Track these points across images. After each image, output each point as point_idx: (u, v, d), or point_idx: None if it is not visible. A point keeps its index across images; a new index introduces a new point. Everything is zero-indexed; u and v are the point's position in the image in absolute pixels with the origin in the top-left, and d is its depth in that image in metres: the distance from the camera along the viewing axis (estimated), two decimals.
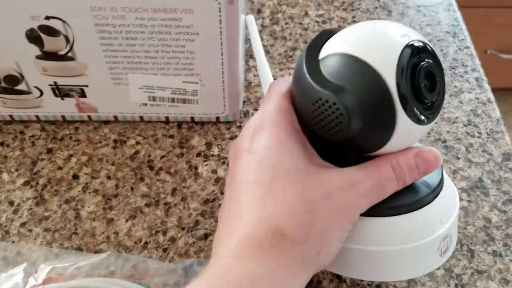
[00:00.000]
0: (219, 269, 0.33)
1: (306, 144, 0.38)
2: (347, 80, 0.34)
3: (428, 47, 0.36)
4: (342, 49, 0.35)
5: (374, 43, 0.35)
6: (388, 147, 0.36)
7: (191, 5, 0.47)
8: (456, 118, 0.60)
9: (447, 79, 0.63)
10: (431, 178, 0.40)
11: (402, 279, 0.46)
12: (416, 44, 0.35)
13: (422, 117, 0.35)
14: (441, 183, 0.40)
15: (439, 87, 0.37)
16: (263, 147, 0.37)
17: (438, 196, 0.40)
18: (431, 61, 0.36)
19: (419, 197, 0.39)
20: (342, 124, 0.35)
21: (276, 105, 0.38)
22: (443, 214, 0.40)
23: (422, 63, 0.35)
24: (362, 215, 0.37)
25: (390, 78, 0.33)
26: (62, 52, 0.51)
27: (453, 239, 0.41)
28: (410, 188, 0.39)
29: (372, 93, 0.34)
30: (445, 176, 0.42)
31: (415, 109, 0.35)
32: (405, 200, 0.38)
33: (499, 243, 0.50)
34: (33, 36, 0.49)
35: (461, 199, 0.53)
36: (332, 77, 0.35)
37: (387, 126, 0.35)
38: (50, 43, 0.50)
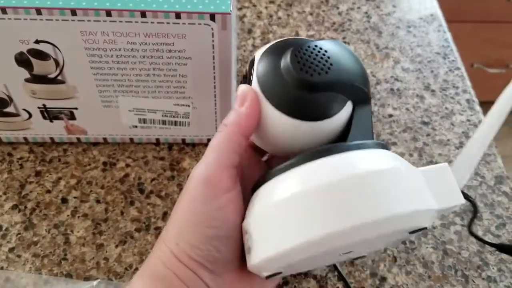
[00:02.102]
0: None
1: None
2: None
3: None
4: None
5: None
6: None
7: (184, 30, 0.46)
8: (448, 140, 0.60)
9: (438, 101, 0.63)
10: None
11: None
12: None
13: None
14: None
15: None
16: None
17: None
18: None
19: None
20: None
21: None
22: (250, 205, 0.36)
23: None
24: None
25: None
26: (52, 76, 0.50)
27: (255, 242, 0.34)
28: None
29: None
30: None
31: None
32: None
33: (493, 268, 0.50)
34: (22, 60, 0.49)
35: (454, 223, 0.53)
36: None
37: None
38: (39, 66, 0.49)
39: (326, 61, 0.37)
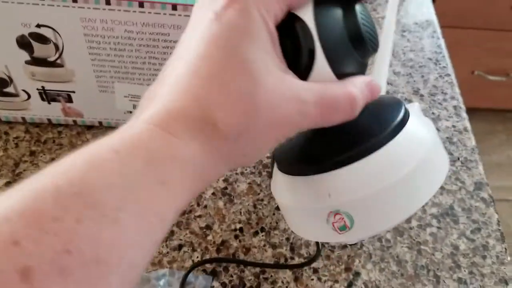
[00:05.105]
0: (136, 133, 0.29)
1: (275, 42, 0.33)
2: None
3: None
4: None
5: None
6: None
7: (180, 22, 0.48)
8: None
9: (425, 105, 0.65)
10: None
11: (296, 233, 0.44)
12: None
13: None
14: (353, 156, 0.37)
15: None
16: (233, 23, 0.31)
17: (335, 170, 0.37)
18: None
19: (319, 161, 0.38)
20: None
21: None
22: (336, 188, 0.37)
23: None
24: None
25: None
26: (51, 59, 0.52)
27: (357, 218, 0.38)
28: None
29: None
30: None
31: None
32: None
33: (465, 271, 0.52)
34: (23, 42, 0.50)
35: (430, 225, 0.55)
36: None
37: None
38: (40, 49, 0.51)
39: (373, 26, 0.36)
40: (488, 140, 1.95)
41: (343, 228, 0.38)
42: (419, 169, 0.37)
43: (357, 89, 0.34)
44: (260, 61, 0.31)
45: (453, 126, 0.63)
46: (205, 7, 0.33)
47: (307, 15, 0.34)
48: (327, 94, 0.33)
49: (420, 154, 0.37)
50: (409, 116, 0.38)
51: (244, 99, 0.31)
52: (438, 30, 0.74)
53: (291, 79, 0.33)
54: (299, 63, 0.34)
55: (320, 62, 0.34)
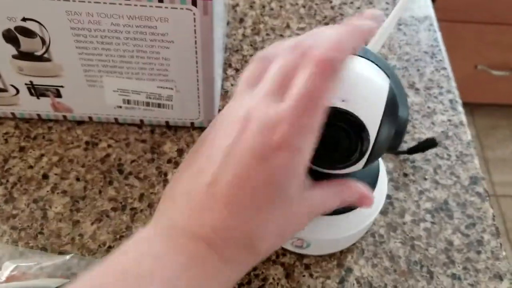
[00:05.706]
0: (201, 255, 0.33)
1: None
2: None
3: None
4: None
5: None
6: None
7: (166, 14, 0.47)
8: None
9: (421, 99, 0.64)
10: None
11: None
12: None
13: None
14: None
15: None
16: (283, 167, 0.34)
17: None
18: None
19: None
20: None
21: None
22: (310, 227, 0.43)
23: None
24: None
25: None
26: (38, 53, 0.51)
27: (312, 245, 0.49)
28: None
29: None
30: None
31: None
32: None
33: (459, 266, 0.51)
34: (9, 36, 0.50)
35: (424, 220, 0.54)
36: None
37: None
38: (26, 43, 0.50)
39: None
40: (492, 135, 1.94)
41: (299, 247, 0.49)
42: (369, 223, 0.49)
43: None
44: (297, 194, 0.35)
45: (449, 120, 0.62)
46: (254, 129, 0.34)
47: (373, 125, 0.37)
48: (329, 204, 0.39)
49: (373, 216, 0.49)
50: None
51: (281, 230, 0.36)
52: (435, 23, 0.73)
53: (312, 198, 0.37)
54: (341, 160, 0.38)
55: (359, 165, 0.39)
